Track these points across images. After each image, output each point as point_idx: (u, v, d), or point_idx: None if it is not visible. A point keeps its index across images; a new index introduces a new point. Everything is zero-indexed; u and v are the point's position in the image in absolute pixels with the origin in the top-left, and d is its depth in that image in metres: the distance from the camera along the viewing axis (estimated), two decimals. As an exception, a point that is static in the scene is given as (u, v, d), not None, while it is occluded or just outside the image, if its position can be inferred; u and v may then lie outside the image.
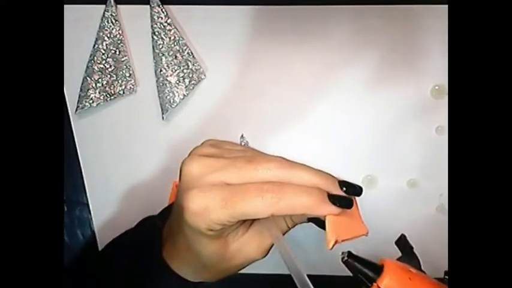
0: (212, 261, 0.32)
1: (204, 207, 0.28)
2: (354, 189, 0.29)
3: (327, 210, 0.28)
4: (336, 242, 0.28)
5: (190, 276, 0.34)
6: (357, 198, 0.30)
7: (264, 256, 0.33)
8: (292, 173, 0.28)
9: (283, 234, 0.34)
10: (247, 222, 0.33)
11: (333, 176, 0.29)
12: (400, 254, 0.31)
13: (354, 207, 0.30)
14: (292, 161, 0.29)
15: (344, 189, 0.29)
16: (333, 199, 0.28)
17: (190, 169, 0.29)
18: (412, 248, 0.30)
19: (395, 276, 0.27)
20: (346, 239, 0.29)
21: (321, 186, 0.28)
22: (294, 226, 0.33)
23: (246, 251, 0.33)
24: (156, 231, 0.36)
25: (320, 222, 0.29)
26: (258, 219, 0.30)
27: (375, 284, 0.27)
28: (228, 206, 0.28)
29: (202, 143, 0.33)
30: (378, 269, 0.28)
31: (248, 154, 0.30)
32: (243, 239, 0.32)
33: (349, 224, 0.29)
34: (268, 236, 0.32)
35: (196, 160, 0.30)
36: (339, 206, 0.28)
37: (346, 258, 0.29)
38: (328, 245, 0.28)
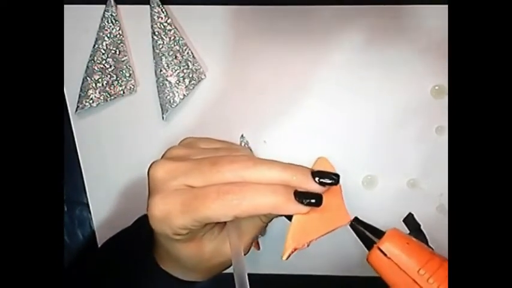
0: (191, 263, 0.32)
1: (166, 214, 0.27)
2: (329, 179, 0.27)
3: (293, 209, 0.26)
4: (295, 249, 0.27)
5: (181, 275, 0.34)
6: (341, 184, 0.28)
7: (246, 253, 0.32)
8: (258, 172, 0.27)
9: (260, 230, 0.32)
10: (221, 223, 0.32)
11: (305, 168, 0.28)
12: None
13: (334, 196, 0.28)
14: (259, 159, 0.28)
15: (318, 180, 0.27)
16: (300, 197, 0.26)
17: (155, 173, 0.29)
18: (419, 225, 0.31)
19: (394, 240, 0.29)
20: (318, 237, 0.28)
21: (290, 182, 0.27)
22: (271, 220, 0.32)
23: (224, 249, 0.32)
24: (149, 231, 0.36)
25: (292, 217, 0.27)
26: None
27: (375, 245, 0.29)
28: (189, 210, 0.27)
29: (179, 143, 0.33)
30: (380, 234, 0.29)
31: (218, 154, 0.29)
32: (220, 238, 0.32)
33: (325, 218, 0.28)
34: (245, 234, 0.32)
35: (162, 164, 0.29)
36: (306, 205, 0.26)
37: (352, 222, 0.30)
38: (283, 255, 0.27)
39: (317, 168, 0.28)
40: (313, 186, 0.27)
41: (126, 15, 0.44)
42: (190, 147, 0.31)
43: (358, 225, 0.30)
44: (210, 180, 0.27)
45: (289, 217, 0.28)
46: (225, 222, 0.32)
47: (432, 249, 0.29)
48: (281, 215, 0.29)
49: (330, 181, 0.27)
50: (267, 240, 0.47)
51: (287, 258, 0.27)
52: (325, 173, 0.28)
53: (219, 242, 0.32)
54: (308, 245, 0.27)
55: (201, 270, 0.33)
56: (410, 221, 0.31)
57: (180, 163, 0.29)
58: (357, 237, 0.30)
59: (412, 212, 0.32)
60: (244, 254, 0.32)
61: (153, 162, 0.29)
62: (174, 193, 0.27)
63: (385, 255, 0.28)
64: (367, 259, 0.29)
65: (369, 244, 0.29)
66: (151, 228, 0.35)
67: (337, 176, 0.28)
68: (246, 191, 0.26)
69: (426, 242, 0.30)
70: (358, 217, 0.30)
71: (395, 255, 0.28)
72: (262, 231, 0.32)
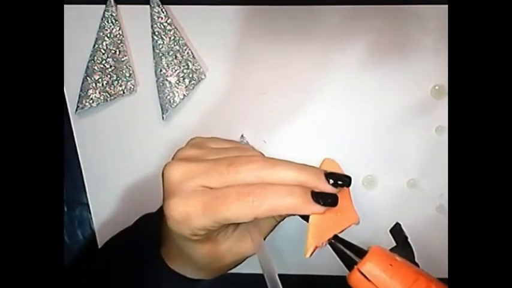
0: (204, 262, 0.32)
1: (186, 215, 0.28)
2: (342, 181, 0.28)
3: (311, 209, 0.27)
4: (316, 247, 0.27)
5: (189, 274, 0.34)
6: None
7: (253, 254, 0.33)
8: (275, 173, 0.27)
9: (273, 228, 0.33)
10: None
11: (319, 169, 0.28)
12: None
13: (344, 197, 0.29)
14: (274, 159, 0.28)
15: (331, 182, 0.28)
16: (317, 197, 0.27)
17: (171, 175, 0.29)
18: (406, 237, 0.29)
19: (376, 261, 0.26)
20: (333, 236, 0.28)
21: (306, 183, 0.27)
22: (283, 219, 0.33)
23: (238, 248, 0.32)
24: (154, 230, 0.36)
25: (306, 216, 0.28)
26: None
27: (355, 266, 0.27)
28: (209, 212, 0.27)
29: (187, 143, 0.33)
30: (361, 253, 0.27)
31: (232, 154, 0.30)
32: (233, 237, 0.32)
33: (338, 217, 0.28)
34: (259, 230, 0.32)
35: (177, 165, 0.29)
36: (323, 205, 0.27)
37: (332, 240, 0.28)
38: (306, 253, 0.27)
39: (325, 169, 0.29)
40: (327, 188, 0.28)
41: (126, 15, 0.44)
42: (200, 147, 0.31)
43: (338, 244, 0.28)
44: (228, 181, 0.27)
45: (304, 217, 0.29)
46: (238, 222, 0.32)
47: (418, 266, 0.28)
48: (295, 215, 0.29)
49: (342, 183, 0.28)
50: (266, 241, 0.47)
51: (310, 256, 0.27)
52: (337, 175, 0.28)
53: (233, 241, 0.32)
54: (326, 244, 0.28)
55: (212, 269, 0.33)
56: (397, 231, 0.30)
57: (196, 164, 0.29)
58: (337, 257, 0.28)
59: (400, 222, 0.30)
60: (252, 255, 0.33)
61: (167, 164, 0.29)
62: (193, 194, 0.28)
63: (366, 277, 0.26)
64: (347, 281, 0.28)
65: (349, 264, 0.28)
66: (159, 227, 0.35)
67: (349, 178, 0.29)
68: (266, 192, 0.27)
69: (412, 257, 0.28)
70: (338, 235, 0.29)
71: (376, 277, 0.26)
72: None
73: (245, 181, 0.27)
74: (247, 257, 0.33)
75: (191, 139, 0.33)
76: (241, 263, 0.34)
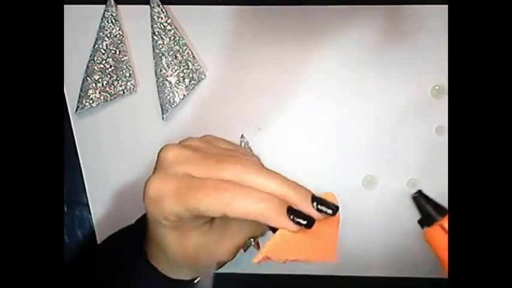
0: (175, 254, 0.31)
1: (159, 195, 0.28)
2: (327, 208, 0.27)
3: (281, 223, 0.26)
4: (268, 258, 0.26)
5: (170, 272, 0.34)
6: (339, 218, 0.28)
7: (231, 258, 0.32)
8: (259, 179, 0.27)
9: (249, 241, 0.33)
10: (212, 221, 0.32)
11: (308, 190, 0.28)
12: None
13: (330, 228, 0.28)
14: (264, 168, 0.28)
15: (315, 205, 0.27)
16: (291, 213, 0.26)
17: (163, 155, 0.29)
18: (434, 201, 0.29)
19: None
20: (296, 260, 0.27)
21: (287, 197, 0.27)
22: (257, 239, 0.33)
23: (212, 250, 0.31)
24: (144, 227, 0.36)
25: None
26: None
27: (436, 223, 0.27)
28: (181, 197, 0.27)
29: (201, 137, 0.33)
30: (442, 211, 0.28)
31: (233, 154, 0.30)
32: (206, 237, 0.31)
33: (311, 245, 0.27)
34: (233, 238, 0.32)
35: (173, 148, 0.29)
36: (295, 223, 0.26)
37: (416, 194, 0.28)
38: (255, 257, 0.26)
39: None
40: (309, 209, 0.27)
41: (126, 15, 0.44)
42: (207, 142, 0.32)
43: (421, 199, 0.28)
44: (211, 174, 0.28)
45: (275, 231, 0.28)
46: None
47: None
48: (270, 229, 0.28)
49: (327, 210, 0.27)
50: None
51: (258, 263, 0.26)
52: (324, 201, 0.28)
53: (205, 241, 0.31)
54: (284, 262, 0.27)
55: (189, 267, 0.33)
56: (421, 199, 0.29)
57: (190, 152, 0.29)
58: (418, 211, 0.28)
59: (421, 189, 0.29)
60: (233, 258, 0.32)
61: (166, 145, 0.30)
62: (173, 177, 0.28)
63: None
64: (424, 235, 0.28)
65: (429, 221, 0.27)
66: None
67: (336, 207, 0.28)
68: (240, 192, 0.26)
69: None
70: (422, 190, 0.28)
71: None
72: (263, 231, 0.33)
73: (227, 179, 0.27)
74: (222, 262, 0.33)
75: (204, 135, 0.34)
76: (220, 267, 0.33)
